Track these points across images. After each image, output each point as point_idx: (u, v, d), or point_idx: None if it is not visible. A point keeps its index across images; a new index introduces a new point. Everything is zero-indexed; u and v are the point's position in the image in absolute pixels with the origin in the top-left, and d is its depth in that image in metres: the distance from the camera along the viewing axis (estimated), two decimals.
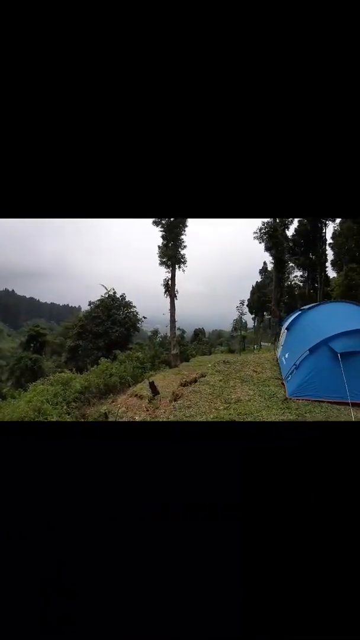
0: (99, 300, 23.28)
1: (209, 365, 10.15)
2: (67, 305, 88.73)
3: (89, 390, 12.41)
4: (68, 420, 9.01)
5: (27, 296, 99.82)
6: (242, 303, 27.38)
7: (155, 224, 19.04)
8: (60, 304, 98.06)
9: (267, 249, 23.64)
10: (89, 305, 23.54)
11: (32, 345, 24.18)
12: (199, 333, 27.22)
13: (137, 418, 7.50)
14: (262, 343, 25.18)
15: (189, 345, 22.75)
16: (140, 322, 23.98)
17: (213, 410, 5.76)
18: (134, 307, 24.01)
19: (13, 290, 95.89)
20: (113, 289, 23.77)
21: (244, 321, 29.95)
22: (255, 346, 25.13)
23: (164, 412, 6.11)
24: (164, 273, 19.18)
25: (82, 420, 9.35)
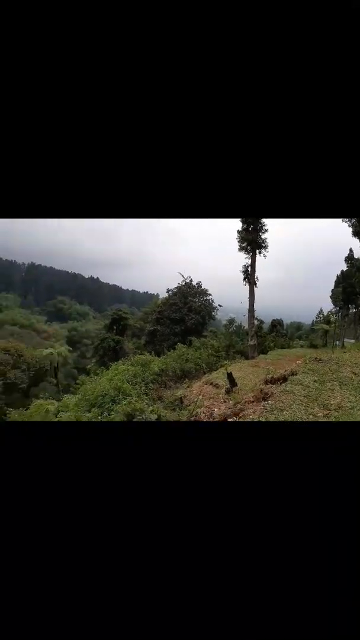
0: (176, 287, 23.35)
1: (299, 362, 9.01)
2: (147, 292, 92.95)
3: (166, 373, 12.38)
4: (145, 399, 8.95)
5: (111, 283, 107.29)
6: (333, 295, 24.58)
7: None
8: (141, 291, 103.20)
9: (355, 233, 20.54)
10: (167, 292, 23.78)
11: (114, 327, 25.56)
12: (277, 324, 25.48)
13: (216, 410, 6.92)
14: (345, 339, 22.42)
15: (266, 336, 21.37)
16: (215, 310, 23.41)
17: (310, 416, 4.81)
18: (210, 294, 23.49)
19: (98, 278, 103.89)
20: (190, 277, 23.57)
21: (326, 313, 27.10)
22: (337, 342, 22.47)
23: (253, 412, 5.34)
24: (243, 259, 18.06)
25: (159, 401, 9.21)
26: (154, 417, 6.93)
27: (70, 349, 30.20)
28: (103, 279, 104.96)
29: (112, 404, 8.66)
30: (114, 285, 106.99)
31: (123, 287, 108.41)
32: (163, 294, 25.19)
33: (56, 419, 9.88)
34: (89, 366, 24.31)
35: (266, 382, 7.07)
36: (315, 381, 6.42)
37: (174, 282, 23.80)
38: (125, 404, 7.85)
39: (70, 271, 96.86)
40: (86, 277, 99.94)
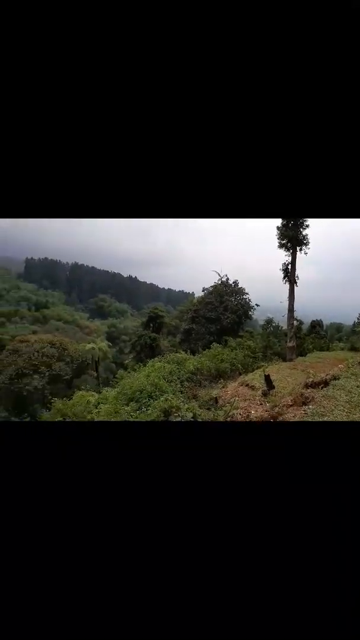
0: (212, 286, 23.21)
1: (341, 365, 8.59)
2: (182, 291, 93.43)
3: (201, 372, 12.39)
4: (180, 397, 9.04)
5: (148, 282, 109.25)
6: None
7: None
8: (176, 290, 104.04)
9: None
10: (203, 291, 23.73)
11: (151, 325, 26.05)
12: (316, 325, 24.39)
13: (252, 412, 6.81)
14: None
15: (305, 338, 20.55)
16: (252, 310, 22.94)
17: None
18: (247, 294, 23.05)
19: (136, 277, 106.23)
20: (226, 276, 23.33)
21: None
22: None
23: (293, 416, 5.20)
24: (283, 256, 17.43)
25: (194, 400, 9.24)
26: (189, 415, 6.98)
27: (110, 344, 31.31)
28: (140, 278, 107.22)
29: (149, 400, 8.87)
30: (151, 284, 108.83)
31: (159, 286, 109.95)
32: (198, 293, 25.21)
33: (96, 410, 10.32)
34: (126, 361, 25.03)
35: (306, 385, 6.83)
36: (358, 386, 6.08)
37: (210, 281, 23.67)
38: (162, 401, 7.99)
39: (110, 270, 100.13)
40: (125, 276, 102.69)
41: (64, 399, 13.94)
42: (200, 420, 6.77)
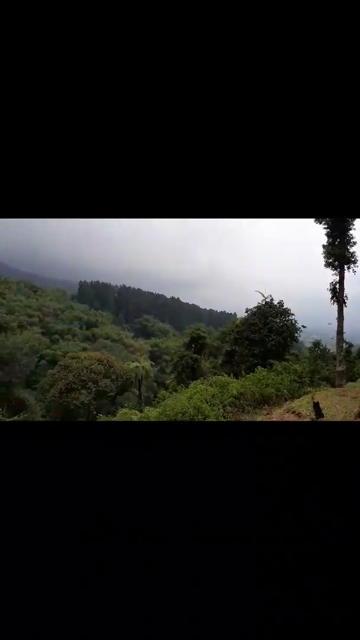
0: (255, 307, 22.62)
1: None
2: (224, 311, 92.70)
3: (244, 397, 11.90)
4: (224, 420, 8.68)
5: (190, 303, 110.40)
6: None
7: (318, 221, 16.59)
8: (218, 310, 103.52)
9: None
10: (246, 312, 23.21)
11: (193, 346, 25.97)
12: None
13: None
14: None
15: (356, 361, 18.98)
16: (298, 332, 21.85)
17: None
18: (292, 314, 22.08)
19: (178, 298, 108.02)
20: (270, 296, 22.62)
21: None
22: None
23: None
24: (330, 276, 16.52)
25: None
26: None
27: (152, 363, 31.69)
28: (183, 299, 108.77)
29: None
30: (193, 305, 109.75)
31: (201, 307, 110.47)
32: (241, 314, 24.71)
33: None
34: (167, 381, 25.01)
35: (358, 414, 6.17)
36: None
37: (253, 301, 23.08)
38: None
39: (154, 292, 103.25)
40: (168, 297, 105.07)
41: (108, 415, 14.20)
42: None
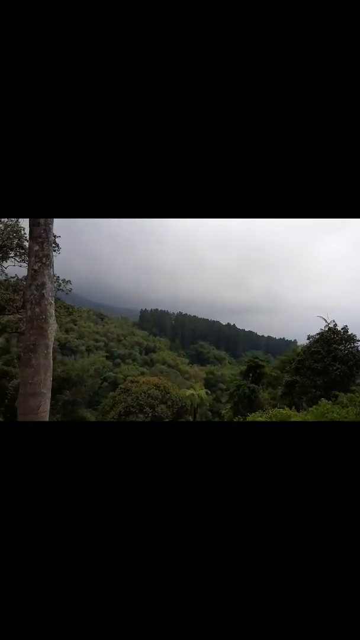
0: (317, 333, 20.91)
1: None
2: (283, 338, 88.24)
3: None
4: None
5: (246, 329, 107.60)
6: None
7: None
8: (277, 337, 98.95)
9: None
10: (308, 339, 21.56)
11: (250, 375, 24.79)
12: None
13: None
14: None
15: None
16: None
17: None
18: (358, 341, 19.86)
19: (234, 325, 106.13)
20: (333, 321, 20.77)
21: None
22: None
23: None
24: None
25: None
26: None
27: (208, 392, 30.94)
28: (239, 326, 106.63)
29: None
30: (249, 332, 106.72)
31: (258, 334, 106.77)
32: (301, 341, 23.03)
33: None
34: (223, 411, 24.01)
35: None
36: None
37: (315, 328, 21.37)
38: None
39: (209, 319, 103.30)
40: (223, 324, 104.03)
41: None
42: None
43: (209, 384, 41.43)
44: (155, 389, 24.86)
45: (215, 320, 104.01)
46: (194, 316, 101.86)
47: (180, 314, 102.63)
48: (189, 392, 25.65)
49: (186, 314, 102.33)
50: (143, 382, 26.07)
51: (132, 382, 26.66)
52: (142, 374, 36.88)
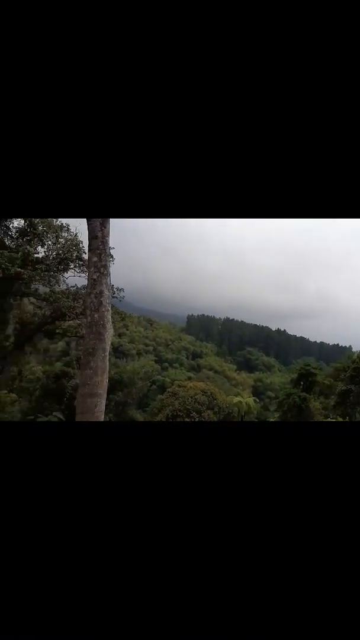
0: None
1: None
2: (337, 344, 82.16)
3: None
4: None
5: (297, 335, 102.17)
6: None
7: None
8: (330, 344, 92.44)
9: None
10: None
11: (301, 383, 23.54)
12: None
13: None
14: None
15: None
16: None
17: None
18: None
19: (285, 330, 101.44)
20: None
21: None
22: None
23: None
24: None
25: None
26: None
27: (257, 400, 30.03)
28: (290, 331, 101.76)
29: None
30: (301, 337, 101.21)
31: (310, 339, 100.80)
32: (357, 347, 21.26)
33: None
34: (271, 420, 23.07)
35: None
36: None
37: None
38: None
39: (258, 324, 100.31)
40: (273, 329, 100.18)
41: None
42: None
43: (257, 392, 40.18)
44: (202, 395, 24.85)
45: (265, 325, 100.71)
46: (242, 321, 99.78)
47: (227, 319, 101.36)
48: (237, 399, 25.18)
49: (233, 319, 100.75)
50: (190, 387, 26.24)
51: (179, 386, 26.99)
52: (189, 378, 37.15)
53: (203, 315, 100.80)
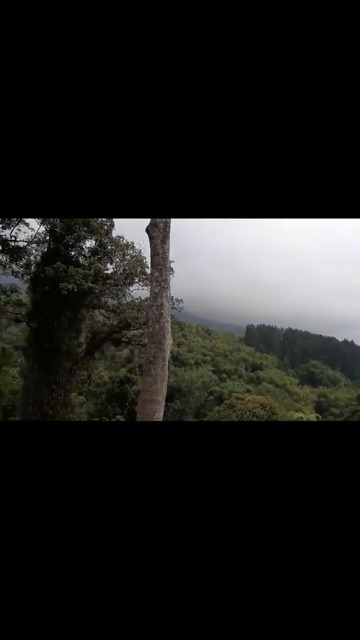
0: None
1: None
2: None
3: None
4: None
5: None
6: None
7: None
8: None
9: None
10: None
11: None
12: None
13: None
14: None
15: None
16: None
17: None
18: None
19: (352, 341, 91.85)
20: None
21: None
22: None
23: None
24: None
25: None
26: None
27: (319, 416, 27.68)
28: (358, 342, 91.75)
29: None
30: None
31: None
32: None
33: None
34: None
35: None
36: None
37: None
38: None
39: (323, 335, 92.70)
40: (340, 340, 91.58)
41: None
42: None
43: (320, 408, 37.03)
44: (261, 409, 23.84)
45: (331, 336, 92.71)
46: (306, 332, 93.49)
47: (289, 329, 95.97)
48: (297, 415, 23.61)
49: (296, 329, 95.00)
50: (248, 400, 25.41)
51: (237, 398, 26.34)
52: (248, 391, 35.98)
53: (263, 325, 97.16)
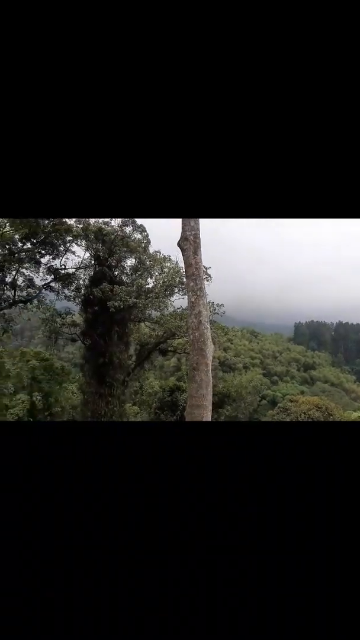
0: None
1: None
2: None
3: None
4: None
5: None
6: None
7: None
8: None
9: None
10: None
11: None
12: None
13: None
14: None
15: None
16: None
17: None
18: None
19: None
20: None
21: None
22: None
23: None
24: None
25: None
26: None
27: None
28: None
29: None
30: None
31: None
32: None
33: None
34: None
35: None
36: None
37: None
38: None
39: None
40: None
41: None
42: None
43: None
44: (317, 410, 22.32)
45: None
46: (358, 324, 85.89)
47: (340, 323, 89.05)
48: (355, 414, 21.64)
49: (347, 322, 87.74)
50: (302, 402, 24.01)
51: (290, 401, 25.05)
52: (302, 392, 34.00)
53: (312, 321, 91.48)
